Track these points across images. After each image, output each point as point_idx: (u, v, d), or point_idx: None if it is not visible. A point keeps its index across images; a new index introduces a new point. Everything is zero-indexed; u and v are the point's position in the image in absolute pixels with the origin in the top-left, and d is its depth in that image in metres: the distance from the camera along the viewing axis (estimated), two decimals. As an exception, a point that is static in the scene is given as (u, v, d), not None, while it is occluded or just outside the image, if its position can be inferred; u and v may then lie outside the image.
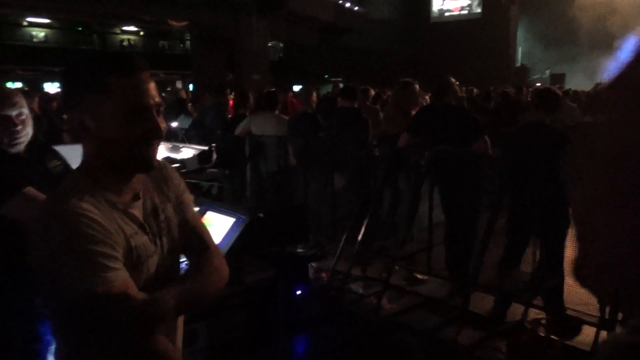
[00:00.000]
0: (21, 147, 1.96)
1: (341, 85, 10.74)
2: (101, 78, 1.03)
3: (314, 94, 5.54)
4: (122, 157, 1.06)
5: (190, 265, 1.26)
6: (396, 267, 3.73)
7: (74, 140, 1.11)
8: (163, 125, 1.09)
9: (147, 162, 1.09)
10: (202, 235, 1.27)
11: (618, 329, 3.45)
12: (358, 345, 2.89)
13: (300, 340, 3.07)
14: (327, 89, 11.02)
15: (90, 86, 1.03)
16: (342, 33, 19.95)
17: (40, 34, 21.66)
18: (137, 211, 1.12)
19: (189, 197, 1.28)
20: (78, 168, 1.11)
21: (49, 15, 19.94)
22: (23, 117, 1.92)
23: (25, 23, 21.29)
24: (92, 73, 1.05)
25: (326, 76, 16.30)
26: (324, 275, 4.06)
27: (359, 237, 3.80)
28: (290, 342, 2.87)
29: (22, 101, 1.92)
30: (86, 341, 1.07)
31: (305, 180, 5.05)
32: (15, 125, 1.91)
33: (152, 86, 1.08)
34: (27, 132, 1.95)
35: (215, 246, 1.30)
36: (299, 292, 3.10)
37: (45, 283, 1.03)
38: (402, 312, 3.44)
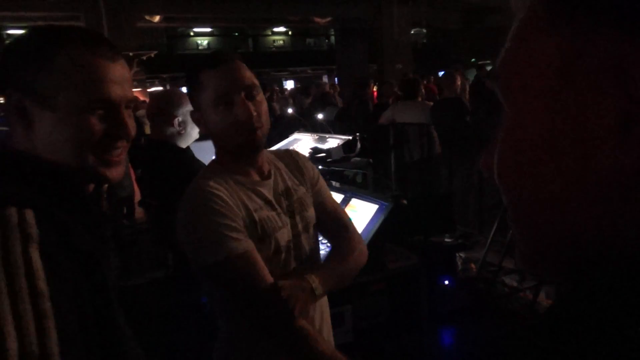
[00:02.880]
0: (191, 140, 2.20)
1: (488, 68, 10.11)
2: (196, 74, 1.16)
3: (459, 79, 5.29)
4: (227, 142, 1.18)
5: (332, 246, 1.32)
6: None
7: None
8: (252, 109, 1.14)
9: (250, 145, 1.16)
10: (340, 217, 1.33)
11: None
12: (510, 344, 2.71)
13: (445, 331, 2.98)
14: (473, 72, 10.45)
15: (190, 83, 1.18)
16: (487, 13, 18.73)
17: (204, 42, 24.17)
18: (265, 189, 1.22)
19: (324, 182, 1.36)
20: (213, 159, 1.26)
21: (210, 25, 22.15)
22: None
23: (191, 33, 23.98)
24: (189, 71, 1.19)
25: (472, 60, 15.46)
26: (472, 266, 3.89)
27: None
28: (435, 332, 2.80)
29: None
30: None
31: (451, 167, 4.87)
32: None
33: (239, 75, 1.14)
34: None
35: (354, 228, 1.34)
36: (446, 282, 3.02)
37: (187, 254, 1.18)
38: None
